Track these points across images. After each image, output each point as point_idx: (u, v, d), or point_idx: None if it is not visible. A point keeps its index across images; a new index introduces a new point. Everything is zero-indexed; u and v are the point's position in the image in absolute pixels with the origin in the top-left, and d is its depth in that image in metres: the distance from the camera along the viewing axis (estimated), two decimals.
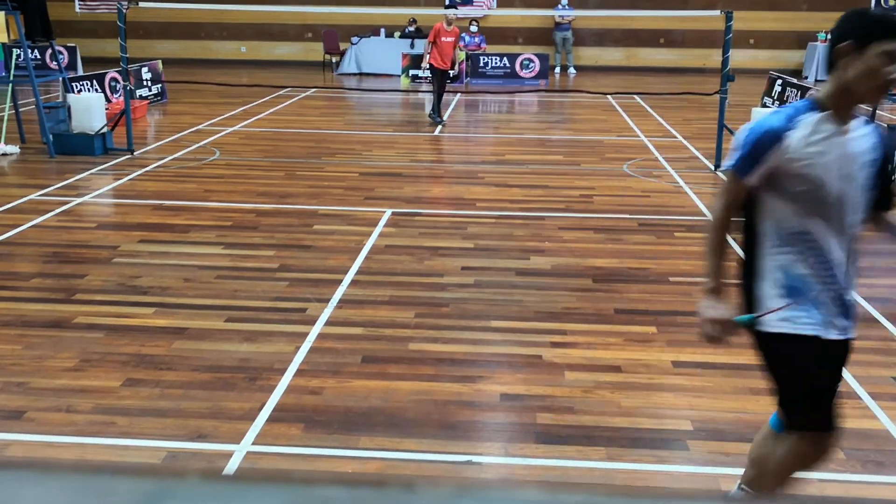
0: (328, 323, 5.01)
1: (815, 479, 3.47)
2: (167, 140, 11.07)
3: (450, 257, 6.27)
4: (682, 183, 8.80)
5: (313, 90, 16.57)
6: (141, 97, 13.70)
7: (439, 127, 12.40)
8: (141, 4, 10.64)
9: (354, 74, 19.59)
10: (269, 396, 4.10)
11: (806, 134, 2.57)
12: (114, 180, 8.72)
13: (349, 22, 20.54)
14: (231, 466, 3.53)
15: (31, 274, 5.86)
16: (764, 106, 12.65)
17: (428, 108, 13.07)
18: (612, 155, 10.41)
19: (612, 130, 12.30)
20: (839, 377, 2.75)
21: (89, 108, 9.98)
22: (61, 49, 18.61)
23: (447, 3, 12.51)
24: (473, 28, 19.37)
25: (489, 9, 20.38)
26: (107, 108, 10.96)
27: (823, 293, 2.62)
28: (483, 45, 19.68)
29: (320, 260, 6.17)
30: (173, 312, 5.14)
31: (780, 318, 2.65)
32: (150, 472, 0.57)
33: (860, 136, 2.63)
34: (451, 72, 12.72)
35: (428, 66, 12.42)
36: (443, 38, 12.22)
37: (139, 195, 8.11)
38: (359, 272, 5.90)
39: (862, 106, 2.64)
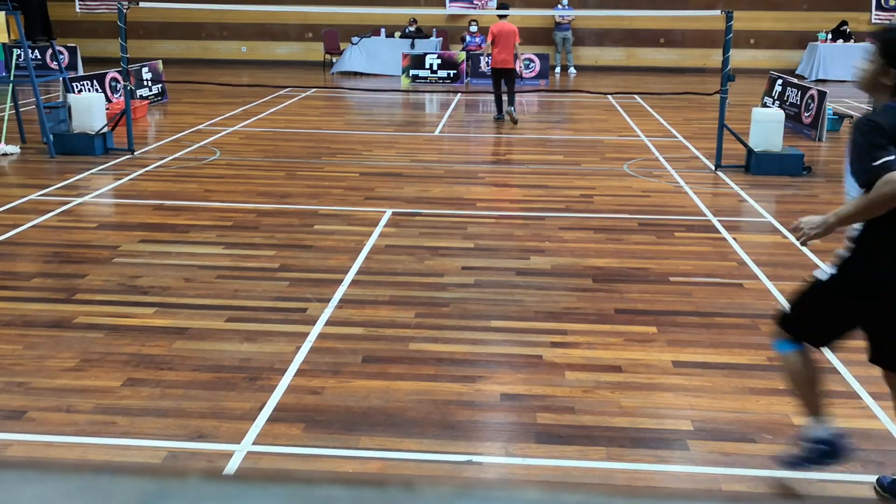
0: (328, 323, 5.01)
1: (815, 480, 3.47)
2: (168, 140, 11.08)
3: (450, 257, 6.27)
4: (682, 183, 8.80)
5: (313, 90, 16.57)
6: (141, 97, 13.70)
7: (440, 127, 12.42)
8: (141, 4, 10.64)
9: (350, 73, 19.58)
10: (269, 396, 4.10)
11: None
12: (114, 180, 8.72)
13: (349, 22, 20.54)
14: (231, 466, 3.54)
15: (32, 274, 5.86)
16: (764, 106, 12.64)
17: (495, 110, 13.01)
18: (612, 155, 10.41)
19: (613, 130, 12.30)
20: None
21: (90, 108, 9.98)
22: (62, 49, 18.61)
23: (498, 3, 13.04)
24: (473, 28, 19.37)
25: (484, 8, 20.38)
26: (107, 108, 10.96)
27: None
28: (483, 45, 19.65)
29: (321, 260, 6.17)
30: (174, 312, 5.14)
31: None
32: (150, 472, 0.57)
33: None
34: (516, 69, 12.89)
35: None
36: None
37: (140, 195, 8.11)
38: (359, 272, 5.90)
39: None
